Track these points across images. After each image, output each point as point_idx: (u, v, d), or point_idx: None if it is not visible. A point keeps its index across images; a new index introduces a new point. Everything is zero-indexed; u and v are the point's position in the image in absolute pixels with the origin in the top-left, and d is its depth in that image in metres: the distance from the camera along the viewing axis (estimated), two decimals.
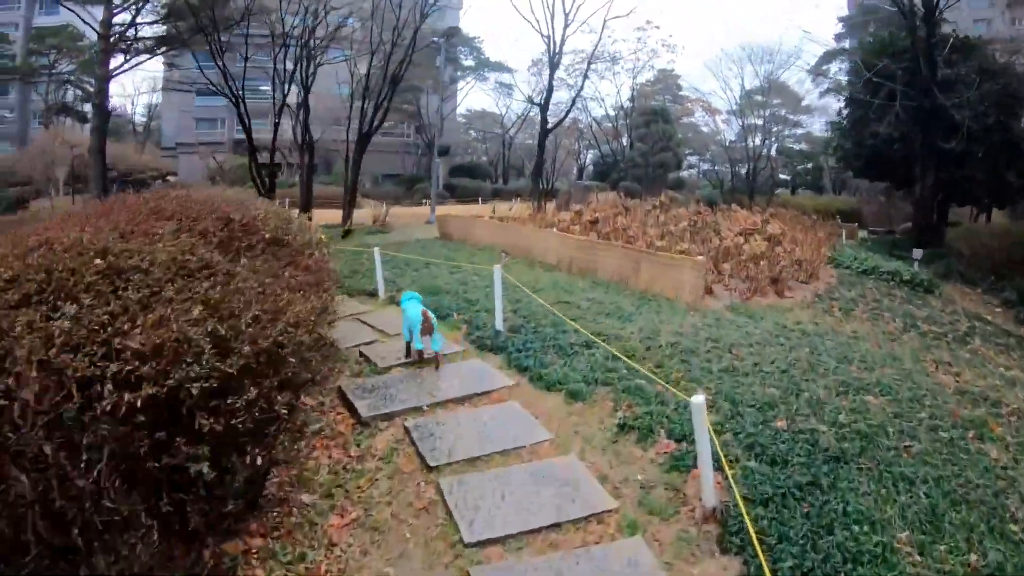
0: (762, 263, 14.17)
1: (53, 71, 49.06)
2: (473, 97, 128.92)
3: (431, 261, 15.96)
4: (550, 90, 36.51)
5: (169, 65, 39.80)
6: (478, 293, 11.74)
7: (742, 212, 21.63)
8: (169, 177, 57.64)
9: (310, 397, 7.27)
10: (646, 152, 51.08)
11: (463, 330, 9.75)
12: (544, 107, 36.66)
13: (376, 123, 25.61)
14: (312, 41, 25.45)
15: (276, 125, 26.53)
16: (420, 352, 8.34)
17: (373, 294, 12.68)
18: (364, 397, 7.17)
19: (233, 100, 24.50)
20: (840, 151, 34.84)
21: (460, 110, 74.54)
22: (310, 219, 20.24)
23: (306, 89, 25.57)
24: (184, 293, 5.18)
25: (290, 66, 25.18)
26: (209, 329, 4.65)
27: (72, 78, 51.18)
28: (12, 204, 42.06)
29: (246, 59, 24.61)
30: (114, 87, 70.94)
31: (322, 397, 7.35)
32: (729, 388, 7.02)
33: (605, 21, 46.52)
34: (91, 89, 55.72)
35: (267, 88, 25.48)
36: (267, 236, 7.33)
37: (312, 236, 8.08)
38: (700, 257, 12.09)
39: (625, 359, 7.47)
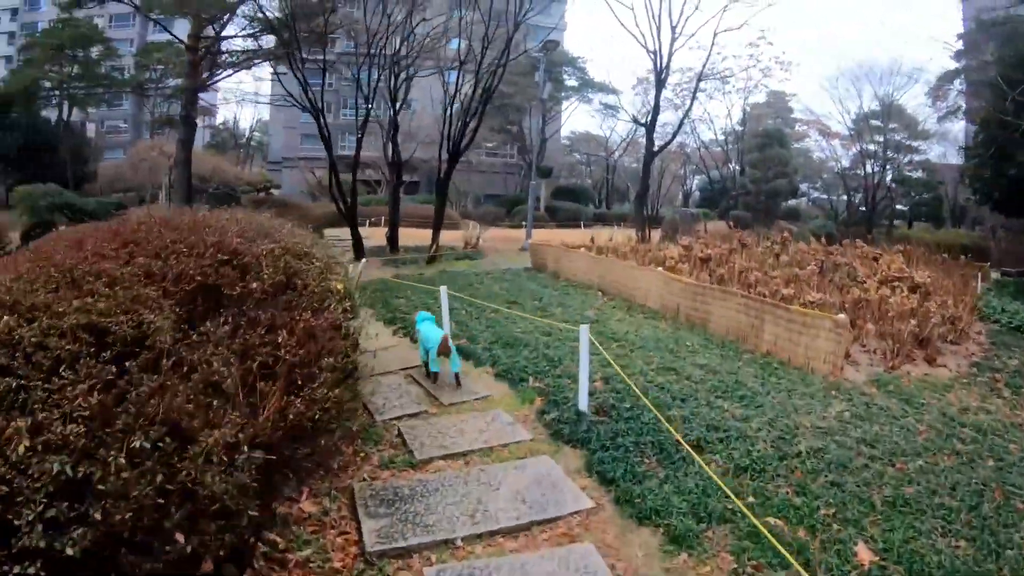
0: (911, 321, 11.56)
1: (160, 85, 49.96)
2: (577, 119, 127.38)
3: (513, 303, 13.92)
4: (656, 110, 33.97)
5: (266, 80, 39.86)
6: (563, 349, 9.63)
7: (880, 253, 18.56)
8: (272, 191, 58.24)
9: (311, 501, 5.37)
10: (759, 179, 47.91)
11: (536, 404, 7.64)
12: (650, 128, 34.17)
13: (467, 141, 23.78)
14: (407, 54, 24.04)
15: (359, 140, 25.04)
16: (436, 375, 8.53)
17: None
18: (379, 514, 5.09)
19: (313, 113, 23.29)
20: (977, 181, 30.98)
21: (564, 132, 73.06)
22: (360, 257, 18.67)
23: (394, 103, 24.10)
24: (66, 391, 3.36)
25: (376, 78, 23.73)
26: (54, 470, 2.80)
27: (178, 92, 52.63)
28: (112, 209, 42.56)
29: (324, 70, 23.37)
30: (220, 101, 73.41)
31: (327, 502, 5.39)
32: (902, 540, 4.77)
33: (715, 35, 42.98)
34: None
35: (368, 105, 23.90)
36: (264, 285, 5.51)
37: (330, 283, 6.17)
38: (841, 316, 9.58)
39: (735, 493, 5.31)
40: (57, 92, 55.15)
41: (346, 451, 6.21)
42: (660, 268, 14.12)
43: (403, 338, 11.31)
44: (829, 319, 9.41)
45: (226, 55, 27.42)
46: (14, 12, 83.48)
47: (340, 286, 6.10)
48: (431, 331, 8.62)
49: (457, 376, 8.39)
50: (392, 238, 25.43)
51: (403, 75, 24.44)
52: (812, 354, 9.48)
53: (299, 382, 4.52)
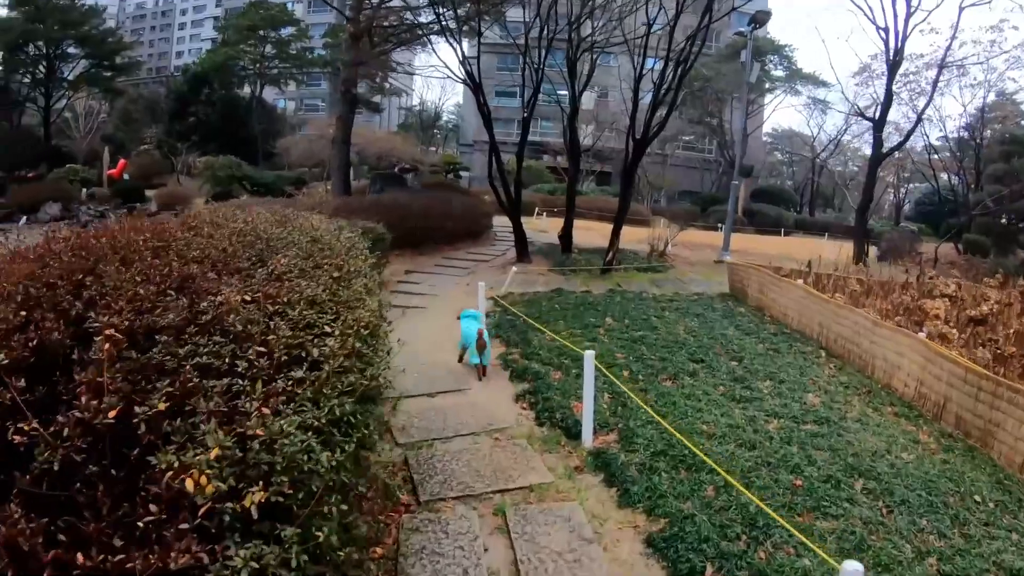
0: None
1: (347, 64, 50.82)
2: (778, 115, 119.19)
3: (700, 361, 9.77)
4: (888, 101, 27.79)
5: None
6: (778, 488, 5.79)
7: None
8: (461, 173, 57.95)
9: None
10: (1003, 196, 39.76)
11: None
12: (879, 124, 28.38)
13: (657, 125, 19.50)
14: (587, 19, 20.39)
15: (526, 121, 21.44)
16: (476, 367, 9.06)
17: (572, 433, 7.05)
18: None
19: (471, 88, 20.10)
20: None
21: (765, 128, 67.17)
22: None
23: (572, 79, 20.44)
24: None
25: (547, 45, 20.14)
26: None
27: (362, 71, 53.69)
28: (290, 184, 42.42)
29: (479, 40, 20.23)
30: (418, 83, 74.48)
31: None
32: None
33: (960, 9, 34.02)
34: (385, 84, 58.52)
35: (539, 73, 20.33)
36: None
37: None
38: None
39: None
40: (252, 70, 57.28)
41: None
42: (922, 335, 9.58)
43: (528, 411, 7.83)
44: None
45: (388, 28, 25.15)
46: None
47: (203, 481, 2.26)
48: (470, 327, 9.22)
49: (484, 368, 9.03)
50: (565, 237, 21.76)
51: (582, 46, 20.88)
52: None
53: None
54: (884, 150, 29.51)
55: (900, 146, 32.81)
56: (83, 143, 54.27)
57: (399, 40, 26.67)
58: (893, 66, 27.25)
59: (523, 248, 20.63)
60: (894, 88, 28.95)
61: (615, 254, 19.50)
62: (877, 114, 28.88)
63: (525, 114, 21.12)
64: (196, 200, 36.27)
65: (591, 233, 25.51)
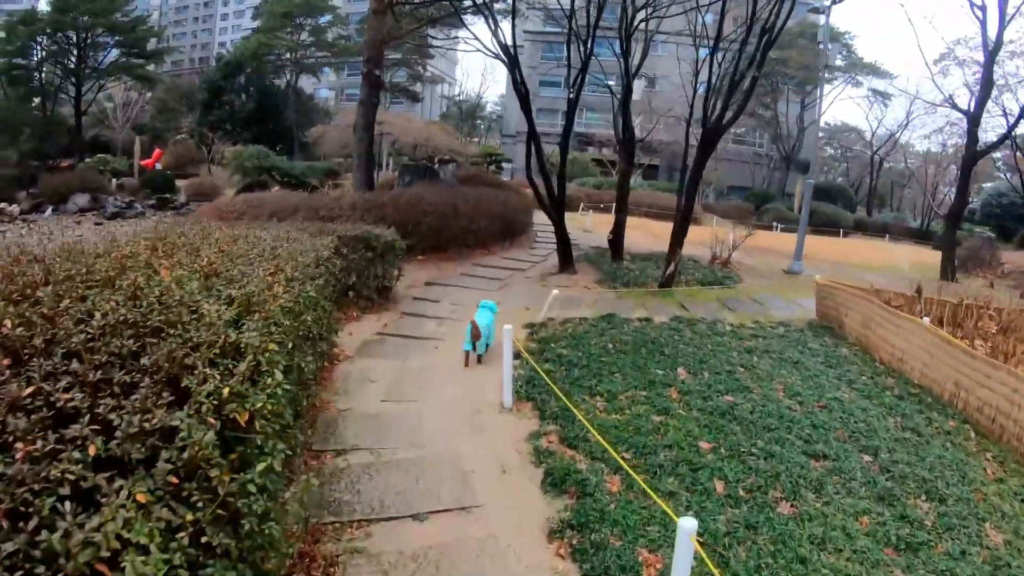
0: None
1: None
2: (831, 109, 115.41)
3: (821, 457, 6.64)
4: (987, 91, 24.33)
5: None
6: None
7: None
8: (503, 164, 56.33)
9: None
10: None
11: None
12: (975, 116, 24.70)
13: (732, 112, 15.91)
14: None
15: (572, 103, 18.10)
16: (467, 354, 9.22)
17: None
18: None
19: (507, 64, 17.18)
20: None
21: (819, 121, 64.41)
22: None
23: (626, 57, 17.36)
24: None
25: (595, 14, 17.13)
26: None
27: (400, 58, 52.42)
28: (320, 175, 41.57)
29: (514, 17, 18.07)
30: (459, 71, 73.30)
31: None
32: None
33: None
34: (422, 71, 57.08)
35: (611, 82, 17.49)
36: None
37: None
38: None
39: None
40: (288, 59, 59.30)
41: None
42: None
43: (568, 563, 4.86)
44: None
45: (415, 3, 22.99)
46: None
47: None
48: (481, 318, 9.41)
49: (480, 357, 9.35)
50: (615, 242, 18.77)
51: (638, 17, 17.83)
52: None
53: None
54: (981, 147, 25.96)
55: (1000, 143, 28.77)
56: (121, 133, 54.98)
57: (428, 16, 24.25)
58: (993, 51, 23.79)
59: (567, 256, 17.73)
60: (970, 79, 25.75)
61: (676, 267, 16.49)
62: (972, 106, 25.31)
63: (571, 95, 17.97)
64: (226, 191, 35.78)
65: (639, 232, 23.54)
